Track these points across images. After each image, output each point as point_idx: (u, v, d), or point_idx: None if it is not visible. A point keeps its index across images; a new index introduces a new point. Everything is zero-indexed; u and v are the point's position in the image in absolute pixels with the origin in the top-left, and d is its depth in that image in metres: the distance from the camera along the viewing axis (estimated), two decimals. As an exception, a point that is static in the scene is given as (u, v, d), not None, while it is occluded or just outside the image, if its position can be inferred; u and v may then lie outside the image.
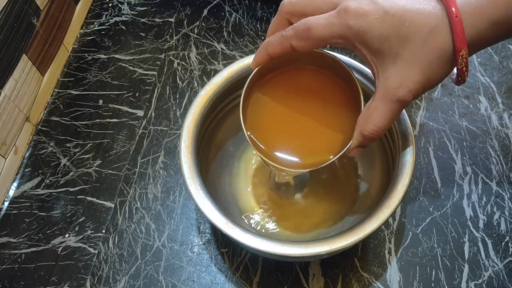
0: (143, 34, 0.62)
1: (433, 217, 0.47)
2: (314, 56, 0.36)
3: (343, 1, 0.31)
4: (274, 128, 0.38)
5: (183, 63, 0.59)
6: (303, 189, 0.45)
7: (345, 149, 0.35)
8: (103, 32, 0.63)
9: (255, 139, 0.37)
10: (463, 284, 0.43)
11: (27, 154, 0.53)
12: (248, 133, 0.36)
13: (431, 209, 0.47)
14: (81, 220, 0.48)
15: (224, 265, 0.45)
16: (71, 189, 0.50)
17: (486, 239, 0.45)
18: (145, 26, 0.63)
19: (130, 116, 0.55)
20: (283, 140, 0.37)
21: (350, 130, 0.35)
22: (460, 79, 0.32)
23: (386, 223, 0.46)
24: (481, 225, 0.46)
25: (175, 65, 0.59)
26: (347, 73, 0.36)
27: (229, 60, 0.59)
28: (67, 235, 0.47)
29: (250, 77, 0.36)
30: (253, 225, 0.44)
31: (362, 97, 0.35)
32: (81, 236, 0.47)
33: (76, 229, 0.48)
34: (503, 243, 0.45)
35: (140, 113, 0.55)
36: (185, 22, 0.63)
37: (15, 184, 0.51)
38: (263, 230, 0.44)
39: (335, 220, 0.44)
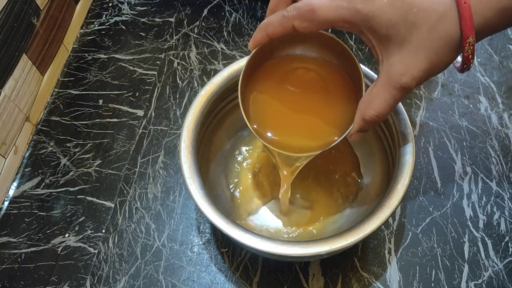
0: (143, 34, 0.62)
1: (433, 217, 0.47)
2: (313, 37, 0.36)
3: None
4: (277, 118, 0.38)
5: (183, 63, 0.59)
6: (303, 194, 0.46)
7: (346, 133, 0.35)
8: (103, 32, 0.63)
9: (260, 131, 0.37)
10: (463, 284, 0.43)
11: (27, 154, 0.53)
12: (255, 126, 0.36)
13: (431, 209, 0.47)
14: (81, 220, 0.48)
15: (224, 265, 0.45)
16: (71, 189, 0.50)
17: (486, 239, 0.45)
18: (145, 26, 0.63)
19: (130, 116, 0.55)
20: (288, 128, 0.38)
21: (351, 114, 0.35)
22: (465, 67, 0.31)
23: (386, 223, 0.46)
24: (481, 225, 0.46)
25: (175, 65, 0.59)
26: (348, 55, 0.35)
27: (229, 60, 0.59)
28: (67, 235, 0.47)
29: (247, 59, 0.35)
30: (253, 225, 0.44)
31: (363, 80, 0.35)
32: (81, 236, 0.47)
33: (76, 229, 0.48)
34: (503, 243, 0.45)
35: (140, 113, 0.55)
36: (185, 22, 0.63)
37: (15, 184, 0.51)
38: (264, 230, 0.44)
39: (336, 217, 0.44)
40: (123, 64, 0.60)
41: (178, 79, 0.58)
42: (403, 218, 0.47)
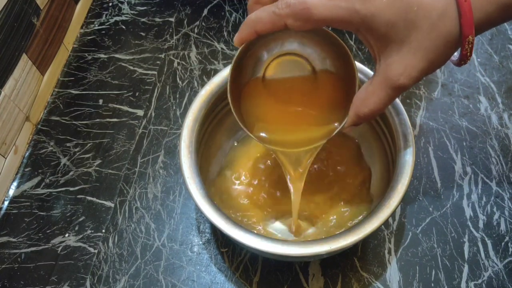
0: (143, 34, 0.62)
1: (433, 217, 0.47)
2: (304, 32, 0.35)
3: None
4: (275, 119, 0.38)
5: (183, 62, 0.59)
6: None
7: (341, 126, 0.35)
8: (103, 32, 0.63)
9: (262, 137, 0.37)
10: (463, 284, 0.43)
11: (27, 153, 0.53)
12: (261, 133, 0.37)
13: (431, 209, 0.47)
14: (81, 219, 0.48)
15: (224, 265, 0.45)
16: (71, 189, 0.50)
17: (486, 239, 0.45)
18: (145, 26, 0.63)
19: (130, 115, 0.55)
20: (288, 126, 0.38)
21: (345, 108, 0.35)
22: (463, 63, 0.31)
23: (386, 223, 0.46)
24: (481, 225, 0.46)
25: (175, 64, 0.59)
26: (340, 46, 0.35)
27: (229, 59, 0.59)
28: (67, 235, 0.47)
29: (234, 58, 0.35)
30: (253, 225, 0.44)
31: (357, 73, 0.35)
32: (81, 236, 0.47)
33: (76, 228, 0.48)
34: (503, 243, 0.45)
35: (140, 112, 0.55)
36: (185, 22, 0.63)
37: (15, 183, 0.51)
38: (263, 229, 0.44)
39: (337, 220, 0.44)
40: (123, 64, 0.60)
41: (178, 79, 0.58)
42: (403, 218, 0.47)
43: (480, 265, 0.44)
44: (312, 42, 0.36)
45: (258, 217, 0.44)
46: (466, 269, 0.44)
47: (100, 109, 0.56)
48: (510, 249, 0.44)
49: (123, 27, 0.63)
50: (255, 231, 0.42)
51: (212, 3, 0.65)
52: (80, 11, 0.64)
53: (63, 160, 0.52)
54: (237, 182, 0.46)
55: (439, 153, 0.51)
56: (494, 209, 0.47)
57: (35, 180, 0.51)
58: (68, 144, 0.53)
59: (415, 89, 0.55)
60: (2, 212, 0.49)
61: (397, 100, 0.41)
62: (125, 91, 0.57)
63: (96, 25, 0.64)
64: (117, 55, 0.61)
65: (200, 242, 0.46)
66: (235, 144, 0.48)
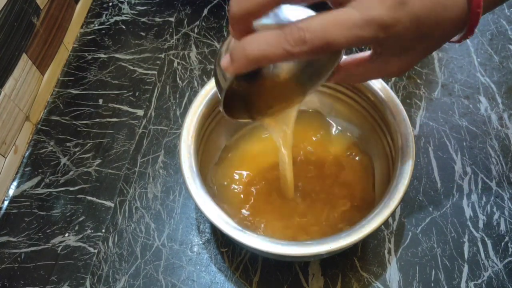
0: (143, 34, 0.62)
1: (433, 217, 0.47)
2: None
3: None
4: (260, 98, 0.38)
5: (183, 62, 0.59)
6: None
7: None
8: (103, 32, 0.63)
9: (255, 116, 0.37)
10: (463, 284, 0.43)
11: (27, 153, 0.53)
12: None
13: (430, 209, 0.47)
14: (81, 219, 0.48)
15: (224, 265, 0.45)
16: (71, 189, 0.50)
17: (486, 239, 0.45)
18: (145, 26, 0.63)
19: (130, 115, 0.55)
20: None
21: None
22: (469, 37, 0.30)
23: (385, 223, 0.46)
24: (480, 225, 0.46)
25: (175, 64, 0.59)
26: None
27: (229, 59, 0.59)
28: (66, 235, 0.47)
29: (225, 88, 0.32)
30: (253, 224, 0.44)
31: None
32: (80, 236, 0.47)
33: (76, 228, 0.48)
34: (502, 243, 0.45)
35: (140, 112, 0.55)
36: (185, 22, 0.63)
37: (15, 183, 0.51)
38: (263, 229, 0.44)
39: (335, 219, 0.44)
40: (123, 64, 0.60)
41: (178, 79, 0.58)
42: (403, 218, 0.47)
43: (480, 265, 0.44)
44: None
45: (258, 217, 0.44)
46: (466, 269, 0.44)
47: (100, 109, 0.56)
48: (510, 249, 0.44)
49: (123, 27, 0.63)
50: (255, 231, 0.42)
51: (212, 3, 0.65)
52: (80, 11, 0.64)
53: (63, 160, 0.52)
54: (237, 182, 0.46)
55: (439, 153, 0.51)
56: (494, 209, 0.47)
57: (35, 180, 0.51)
58: (68, 144, 0.53)
59: (415, 89, 0.55)
60: (2, 211, 0.49)
61: (397, 100, 0.42)
62: (125, 91, 0.57)
63: (96, 25, 0.64)
64: (117, 55, 0.61)
65: (200, 242, 0.46)
66: (235, 143, 0.48)
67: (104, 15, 0.65)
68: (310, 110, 0.49)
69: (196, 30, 0.62)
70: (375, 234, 0.46)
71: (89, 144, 0.53)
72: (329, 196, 0.45)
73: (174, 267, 0.45)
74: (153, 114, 0.55)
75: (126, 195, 0.49)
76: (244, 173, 0.46)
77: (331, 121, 0.49)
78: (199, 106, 0.42)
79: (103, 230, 0.47)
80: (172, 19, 0.64)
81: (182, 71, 0.59)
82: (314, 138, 0.48)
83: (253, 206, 0.44)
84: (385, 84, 0.42)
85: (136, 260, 0.45)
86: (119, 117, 0.55)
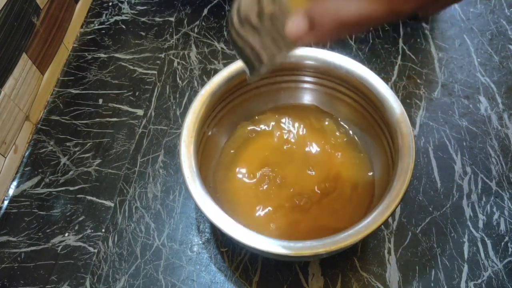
0: (143, 33, 0.62)
1: (433, 217, 0.47)
2: None
3: None
4: None
5: (183, 62, 0.59)
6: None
7: None
8: (103, 31, 0.63)
9: None
10: (463, 284, 0.43)
11: (27, 153, 0.53)
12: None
13: (430, 209, 0.47)
14: (80, 219, 0.48)
15: (224, 265, 0.45)
16: (71, 188, 0.50)
17: (486, 239, 0.45)
18: (145, 25, 0.63)
19: (130, 115, 0.55)
20: None
21: None
22: None
23: (385, 223, 0.46)
24: (480, 225, 0.46)
25: (175, 64, 0.59)
26: None
27: (229, 59, 0.59)
28: (66, 234, 0.47)
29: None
30: (252, 224, 0.44)
31: None
32: (80, 235, 0.47)
33: (76, 228, 0.48)
34: (502, 243, 0.45)
35: (140, 112, 0.55)
36: (185, 22, 0.63)
37: (14, 183, 0.51)
38: (263, 229, 0.44)
39: (334, 220, 0.44)
40: (123, 64, 0.60)
41: (178, 79, 0.58)
42: (402, 218, 0.47)
43: (479, 265, 0.44)
44: None
45: (258, 215, 0.44)
46: (465, 269, 0.44)
47: (100, 109, 0.56)
48: (510, 249, 0.44)
49: (123, 26, 0.63)
50: (255, 231, 0.42)
51: (212, 3, 0.65)
52: (80, 10, 0.64)
53: (63, 160, 0.52)
54: (237, 181, 0.46)
55: (439, 153, 0.51)
56: (494, 209, 0.47)
57: (35, 180, 0.51)
58: (68, 144, 0.53)
59: (415, 89, 0.55)
60: (2, 211, 0.49)
61: (397, 100, 0.42)
62: (125, 91, 0.57)
63: (96, 25, 0.64)
64: (117, 55, 0.61)
65: (200, 242, 0.46)
66: (234, 142, 0.48)
67: (104, 15, 0.65)
68: (312, 107, 0.49)
69: (196, 30, 0.62)
70: (375, 234, 0.46)
71: (89, 144, 0.53)
72: (329, 195, 0.45)
73: (174, 267, 0.45)
74: (153, 114, 0.55)
75: (126, 195, 0.49)
76: (244, 170, 0.46)
77: (339, 121, 0.49)
78: (199, 106, 0.42)
79: (103, 230, 0.47)
80: (172, 19, 0.64)
81: (182, 71, 0.59)
82: (314, 138, 0.48)
83: (255, 204, 0.44)
84: (385, 84, 0.43)
85: (136, 260, 0.45)
86: (119, 117, 0.55)
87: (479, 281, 0.43)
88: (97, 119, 0.55)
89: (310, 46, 0.45)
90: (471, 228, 0.46)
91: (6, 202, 0.50)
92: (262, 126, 0.49)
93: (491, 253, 0.44)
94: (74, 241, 0.47)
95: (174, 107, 0.55)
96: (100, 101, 0.57)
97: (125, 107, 0.56)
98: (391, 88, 0.52)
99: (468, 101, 0.54)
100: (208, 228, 0.47)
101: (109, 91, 0.57)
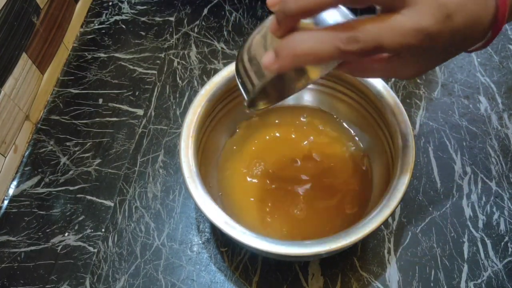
0: (143, 33, 0.62)
1: (433, 217, 0.47)
2: None
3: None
4: None
5: (183, 62, 0.59)
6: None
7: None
8: (103, 31, 0.63)
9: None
10: (462, 284, 0.43)
11: (27, 152, 0.53)
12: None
13: (430, 209, 0.47)
14: (80, 219, 0.48)
15: (224, 264, 0.45)
16: (71, 188, 0.50)
17: (486, 239, 0.45)
18: (145, 25, 0.63)
19: (130, 115, 0.55)
20: None
21: None
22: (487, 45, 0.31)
23: (385, 223, 0.46)
24: (480, 225, 0.46)
25: (175, 64, 0.59)
26: None
27: (229, 59, 0.59)
28: (66, 234, 0.47)
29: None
30: (252, 224, 0.44)
31: None
32: (80, 235, 0.47)
33: (76, 228, 0.48)
34: (502, 243, 0.45)
35: (140, 112, 0.55)
36: (185, 21, 0.63)
37: (14, 182, 0.51)
38: (263, 229, 0.44)
39: (336, 221, 0.44)
40: (123, 63, 0.60)
41: (178, 79, 0.58)
42: (402, 218, 0.47)
43: (479, 265, 0.44)
44: None
45: (258, 215, 0.44)
46: (465, 269, 0.44)
47: (100, 108, 0.56)
48: (510, 249, 0.44)
49: (123, 26, 0.63)
50: (255, 230, 0.42)
51: (212, 3, 0.65)
52: (80, 10, 0.64)
53: (63, 159, 0.52)
54: (238, 181, 0.46)
55: (439, 153, 0.51)
56: (494, 209, 0.47)
57: (34, 179, 0.51)
58: (68, 143, 0.53)
59: (415, 89, 0.55)
60: (2, 211, 0.49)
61: (397, 100, 0.42)
62: (125, 91, 0.57)
63: (96, 24, 0.64)
64: (117, 54, 0.61)
65: (200, 242, 0.46)
66: (234, 142, 0.48)
67: (104, 15, 0.65)
68: (311, 108, 0.49)
69: (196, 30, 0.62)
70: (375, 234, 0.46)
71: (89, 144, 0.53)
72: (329, 194, 0.45)
73: (173, 266, 0.45)
74: (153, 113, 0.55)
75: (126, 195, 0.49)
76: (244, 170, 0.46)
77: (340, 121, 0.49)
78: (199, 105, 0.42)
79: (103, 230, 0.47)
80: (172, 19, 0.64)
81: (182, 70, 0.59)
82: (316, 138, 0.48)
83: (255, 204, 0.44)
84: (385, 84, 0.43)
85: (136, 260, 0.45)
86: (119, 116, 0.55)
87: (479, 281, 0.43)
88: (97, 119, 0.55)
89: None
90: (471, 228, 0.46)
91: (6, 202, 0.50)
92: (262, 127, 0.49)
93: (491, 253, 0.44)
94: (74, 240, 0.47)
95: (174, 107, 0.55)
96: (100, 100, 0.57)
97: (125, 107, 0.56)
98: (391, 88, 0.52)
99: (468, 101, 0.54)
100: (208, 228, 0.47)
101: (109, 91, 0.57)
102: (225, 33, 0.62)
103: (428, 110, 0.54)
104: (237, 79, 0.33)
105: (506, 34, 0.60)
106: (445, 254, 0.44)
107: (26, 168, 0.52)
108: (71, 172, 0.51)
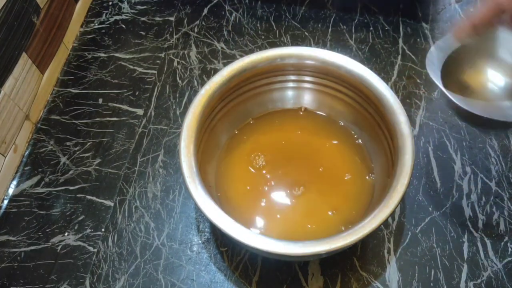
0: (143, 33, 0.62)
1: (433, 217, 0.47)
2: None
3: None
4: None
5: (183, 62, 0.59)
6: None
7: None
8: (103, 31, 0.63)
9: None
10: (462, 284, 0.43)
11: (27, 152, 0.53)
12: None
13: (430, 209, 0.47)
14: (80, 218, 0.48)
15: (224, 264, 0.45)
16: (71, 188, 0.50)
17: (485, 239, 0.45)
18: (145, 25, 0.63)
19: (130, 115, 0.55)
20: None
21: None
22: None
23: (385, 223, 0.46)
24: (480, 225, 0.46)
25: (175, 64, 0.59)
26: None
27: (229, 59, 0.59)
28: (66, 234, 0.47)
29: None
30: (252, 224, 0.44)
31: None
32: (80, 235, 0.47)
33: (76, 227, 0.48)
34: (502, 243, 0.45)
35: (140, 112, 0.55)
36: (185, 21, 0.63)
37: (14, 182, 0.51)
38: (262, 229, 0.44)
39: (336, 220, 0.44)
40: (123, 63, 0.60)
41: (178, 78, 0.58)
42: (402, 218, 0.47)
43: (479, 265, 0.44)
44: None
45: (258, 215, 0.44)
46: (465, 269, 0.44)
47: (100, 108, 0.56)
48: (509, 249, 0.45)
49: (123, 26, 0.63)
50: (255, 230, 0.42)
51: (212, 2, 0.65)
52: (80, 10, 0.64)
53: (63, 159, 0.52)
54: (238, 181, 0.46)
55: (439, 153, 0.51)
56: (494, 209, 0.47)
57: (34, 179, 0.51)
58: (67, 143, 0.53)
59: (415, 89, 0.55)
60: (2, 211, 0.49)
61: (397, 100, 0.42)
62: (125, 90, 0.57)
63: (96, 24, 0.64)
64: (117, 54, 0.61)
65: (200, 241, 0.46)
66: (234, 142, 0.48)
67: (104, 14, 0.65)
68: (317, 113, 0.49)
69: (196, 30, 0.62)
70: (375, 234, 0.46)
71: (89, 143, 0.53)
72: (329, 195, 0.45)
73: (173, 266, 0.45)
74: (153, 113, 0.55)
75: (125, 195, 0.49)
76: (244, 170, 0.46)
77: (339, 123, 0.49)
78: (199, 105, 0.42)
79: (103, 230, 0.47)
80: (172, 19, 0.64)
81: (182, 70, 0.59)
82: (316, 138, 0.48)
83: (255, 204, 0.44)
84: (385, 84, 0.43)
85: (136, 260, 0.45)
86: (119, 116, 0.55)
87: (479, 281, 0.43)
88: (97, 119, 0.55)
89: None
90: (471, 228, 0.46)
91: (6, 202, 0.50)
92: (262, 127, 0.49)
93: (491, 253, 0.44)
94: (74, 240, 0.47)
95: (174, 107, 0.55)
96: (100, 100, 0.57)
97: (125, 107, 0.56)
98: (391, 88, 0.52)
99: (468, 101, 0.54)
100: (207, 228, 0.47)
101: (109, 91, 0.57)
102: (225, 33, 0.62)
103: (428, 110, 0.54)
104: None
105: (506, 34, 0.60)
106: (444, 254, 0.44)
107: (26, 168, 0.52)
108: (71, 172, 0.51)
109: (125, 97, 0.57)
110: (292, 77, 0.48)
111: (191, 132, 0.41)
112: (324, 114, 0.49)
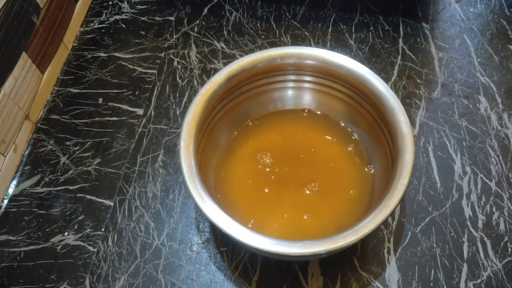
0: (143, 33, 0.62)
1: (432, 216, 0.47)
2: None
3: None
4: None
5: (183, 61, 0.59)
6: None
7: None
8: (103, 31, 0.63)
9: None
10: (462, 284, 0.43)
11: (27, 152, 0.53)
12: None
13: (430, 208, 0.47)
14: (80, 218, 0.48)
15: (223, 264, 0.45)
16: (71, 187, 0.50)
17: (485, 239, 0.45)
18: (145, 25, 0.63)
19: (130, 114, 0.55)
20: None
21: None
22: None
23: (385, 223, 0.46)
24: (480, 225, 0.46)
25: (175, 63, 0.59)
26: None
27: (229, 59, 0.59)
28: (66, 233, 0.47)
29: None
30: (252, 224, 0.44)
31: None
32: (80, 235, 0.47)
33: (76, 227, 0.48)
34: (502, 243, 0.45)
35: (140, 111, 0.55)
36: (185, 21, 0.63)
37: (14, 182, 0.51)
38: (263, 228, 0.44)
39: (334, 219, 0.44)
40: (123, 63, 0.60)
41: (178, 78, 0.58)
42: (402, 218, 0.47)
43: (479, 265, 0.44)
44: None
45: (257, 215, 0.44)
46: (465, 269, 0.44)
47: (100, 108, 0.56)
48: (509, 249, 0.45)
49: (123, 25, 0.63)
50: (255, 230, 0.42)
51: (212, 2, 0.65)
52: (80, 9, 0.64)
53: (63, 159, 0.52)
54: (237, 180, 0.46)
55: (439, 153, 0.51)
56: (494, 209, 0.47)
57: (34, 179, 0.51)
58: (67, 143, 0.53)
59: (415, 89, 0.55)
60: (2, 210, 0.49)
61: (397, 100, 0.42)
62: (125, 90, 0.57)
63: (96, 24, 0.64)
64: (117, 54, 0.61)
65: (200, 241, 0.46)
66: (234, 142, 0.48)
67: (104, 14, 0.65)
68: (318, 113, 0.49)
69: (196, 29, 0.62)
70: (375, 234, 0.46)
71: (88, 143, 0.53)
72: (329, 195, 0.45)
73: (173, 266, 0.45)
74: (153, 113, 0.55)
75: (125, 194, 0.49)
76: (244, 170, 0.46)
77: (337, 122, 0.49)
78: (199, 105, 0.42)
79: (103, 229, 0.47)
80: (172, 18, 0.64)
81: (182, 70, 0.59)
82: (316, 138, 0.48)
83: (255, 204, 0.44)
84: (385, 84, 0.43)
85: (136, 259, 0.45)
86: (119, 116, 0.55)
87: (479, 281, 0.43)
88: (97, 118, 0.55)
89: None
90: (471, 228, 0.46)
91: (5, 201, 0.50)
92: (262, 127, 0.49)
93: (491, 253, 0.44)
94: (74, 240, 0.47)
95: (174, 107, 0.55)
96: (100, 100, 0.57)
97: (125, 106, 0.56)
98: (391, 88, 0.52)
99: (468, 101, 0.54)
100: (207, 228, 0.47)
101: (109, 90, 0.57)
102: (225, 32, 0.62)
103: (428, 110, 0.54)
104: None
105: (506, 34, 0.60)
106: (444, 254, 0.44)
107: (26, 168, 0.52)
108: (71, 172, 0.51)
109: (125, 97, 0.57)
110: (292, 77, 0.48)
111: (191, 132, 0.41)
112: (324, 114, 0.49)
